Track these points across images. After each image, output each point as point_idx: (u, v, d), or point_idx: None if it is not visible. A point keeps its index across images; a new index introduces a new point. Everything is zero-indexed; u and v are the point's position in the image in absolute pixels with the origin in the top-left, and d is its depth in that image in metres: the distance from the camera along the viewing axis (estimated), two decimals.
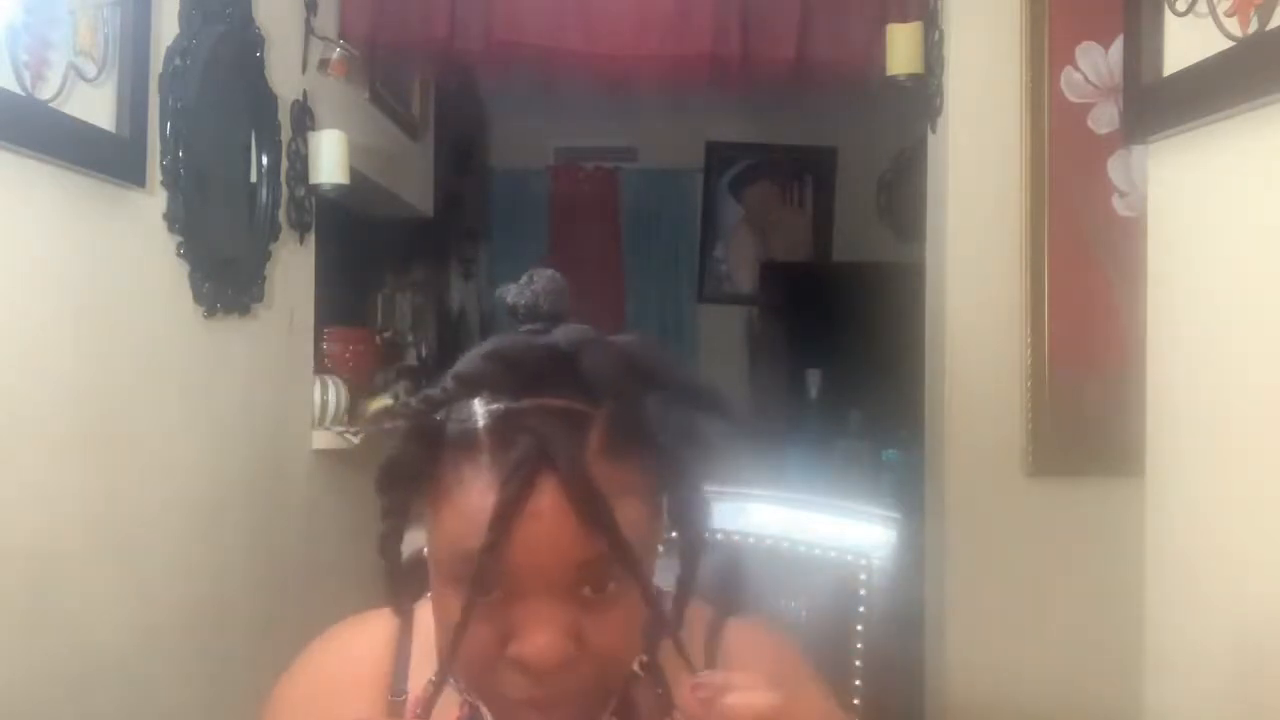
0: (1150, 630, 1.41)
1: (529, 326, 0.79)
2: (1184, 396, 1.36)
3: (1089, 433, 2.34)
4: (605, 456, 0.73)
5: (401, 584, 0.83)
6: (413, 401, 0.75)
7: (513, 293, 0.81)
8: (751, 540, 1.21)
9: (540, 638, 0.71)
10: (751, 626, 0.92)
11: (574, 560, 0.72)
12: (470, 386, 0.74)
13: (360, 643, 0.89)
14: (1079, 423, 2.36)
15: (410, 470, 0.76)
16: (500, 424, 0.73)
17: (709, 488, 0.80)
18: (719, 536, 1.17)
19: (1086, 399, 2.35)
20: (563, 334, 0.76)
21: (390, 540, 0.80)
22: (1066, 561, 2.37)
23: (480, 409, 0.74)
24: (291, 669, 0.91)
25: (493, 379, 0.74)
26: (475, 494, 0.72)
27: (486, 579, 0.72)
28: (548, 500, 0.71)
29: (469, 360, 0.75)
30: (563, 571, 0.72)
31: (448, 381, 0.74)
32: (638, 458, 0.75)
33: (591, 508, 0.71)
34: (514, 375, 0.74)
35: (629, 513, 0.74)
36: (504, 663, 0.73)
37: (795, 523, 1.22)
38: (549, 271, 0.82)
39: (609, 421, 0.74)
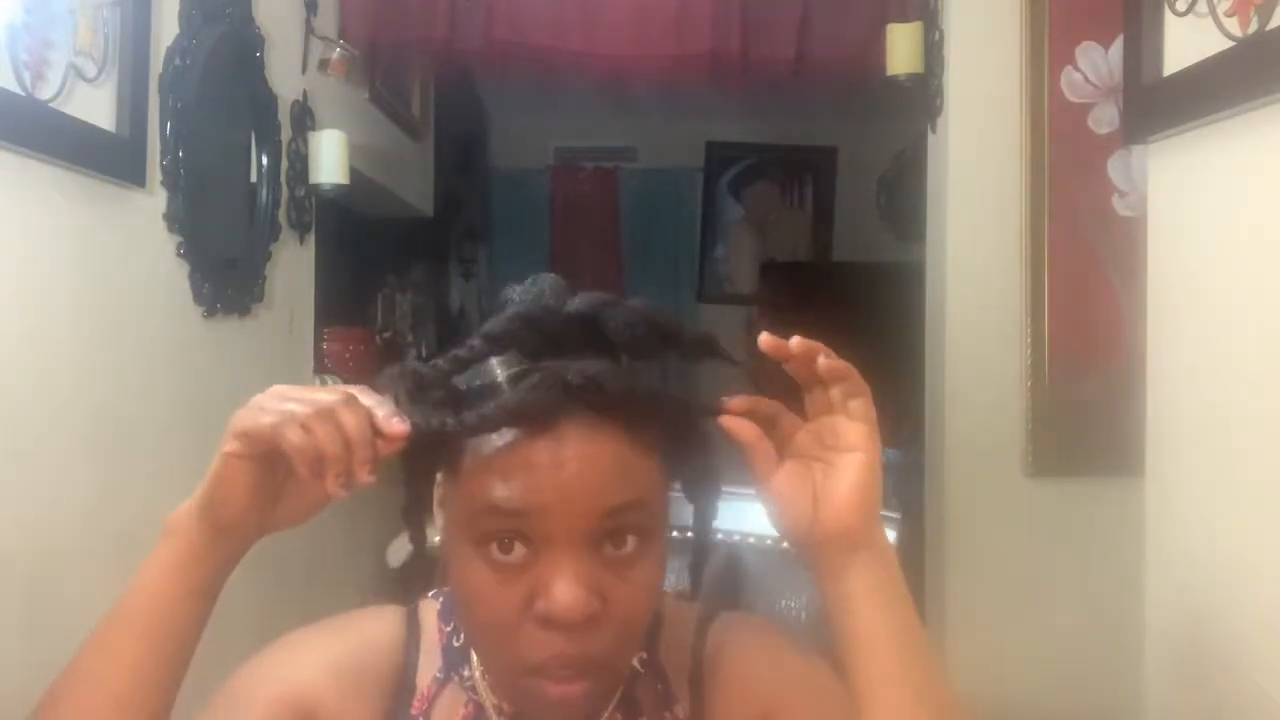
0: (1150, 630, 1.41)
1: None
2: (1184, 396, 1.36)
3: (1089, 433, 2.34)
4: (629, 415, 0.75)
5: (427, 554, 0.84)
6: (440, 362, 0.76)
7: (518, 292, 0.82)
8: (751, 540, 1.21)
9: (567, 594, 0.72)
10: (738, 619, 0.92)
11: (601, 508, 0.73)
12: (497, 345, 0.76)
13: (379, 631, 0.88)
14: (1079, 423, 2.36)
15: (431, 436, 0.74)
16: (525, 377, 0.74)
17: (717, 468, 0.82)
18: (719, 536, 1.17)
19: (1086, 399, 2.35)
20: (582, 299, 0.78)
21: (414, 507, 0.81)
22: (1066, 561, 2.37)
23: (504, 371, 0.76)
24: (315, 634, 0.90)
25: (518, 338, 0.75)
26: (501, 445, 0.73)
27: (506, 528, 0.73)
28: (572, 445, 0.73)
29: (495, 322, 0.77)
30: (588, 520, 0.73)
31: (475, 340, 0.76)
32: (656, 422, 0.77)
33: (619, 456, 0.73)
34: (538, 335, 0.76)
35: (648, 471, 0.76)
36: (528, 623, 0.73)
37: None
38: (550, 276, 0.83)
39: (629, 383, 0.75)
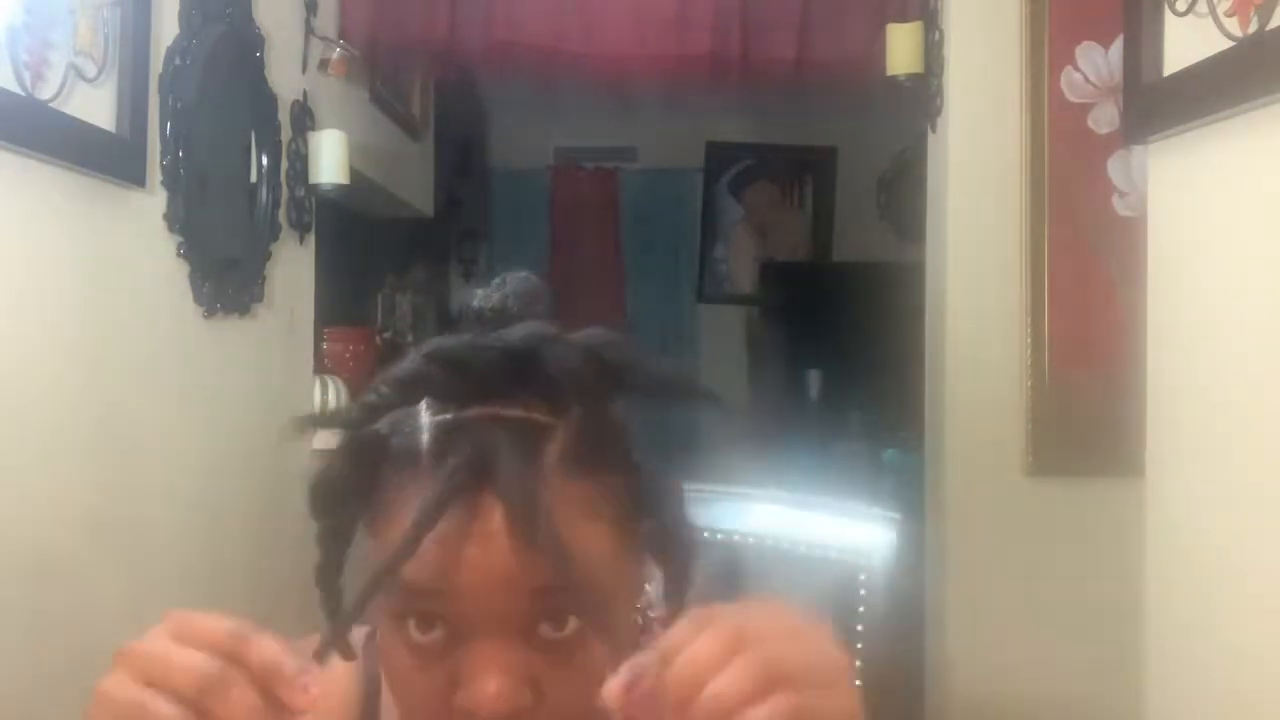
0: (1150, 630, 1.41)
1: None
2: (1184, 396, 1.36)
3: (1089, 433, 2.34)
4: (566, 473, 0.64)
5: (345, 619, 0.65)
6: (348, 409, 0.65)
7: (479, 296, 0.72)
8: (751, 540, 1.21)
9: (490, 684, 0.61)
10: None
11: (524, 588, 0.62)
12: (410, 392, 0.64)
13: (335, 676, 0.73)
14: (1079, 423, 2.36)
15: (347, 488, 0.65)
16: (443, 436, 0.64)
17: (694, 512, 0.70)
18: (719, 536, 1.17)
19: (1086, 399, 2.35)
20: (516, 331, 0.66)
21: (329, 570, 0.67)
22: (1066, 561, 2.37)
23: (424, 419, 0.65)
24: None
25: (435, 384, 0.64)
26: (407, 506, 0.62)
27: (421, 608, 0.63)
28: (498, 520, 0.61)
29: (408, 362, 0.65)
30: (513, 602, 0.62)
31: (382, 386, 0.64)
32: (607, 477, 0.66)
33: (536, 526, 0.60)
34: (460, 379, 0.64)
35: (595, 539, 0.64)
36: (454, 713, 0.63)
37: (795, 523, 1.22)
38: (522, 273, 0.74)
39: (573, 433, 0.65)
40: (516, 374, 0.64)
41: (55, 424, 1.53)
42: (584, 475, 0.65)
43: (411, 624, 0.64)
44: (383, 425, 0.65)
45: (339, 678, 0.77)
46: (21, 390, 1.45)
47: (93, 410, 1.62)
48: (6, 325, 1.42)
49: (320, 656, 0.62)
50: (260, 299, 2.22)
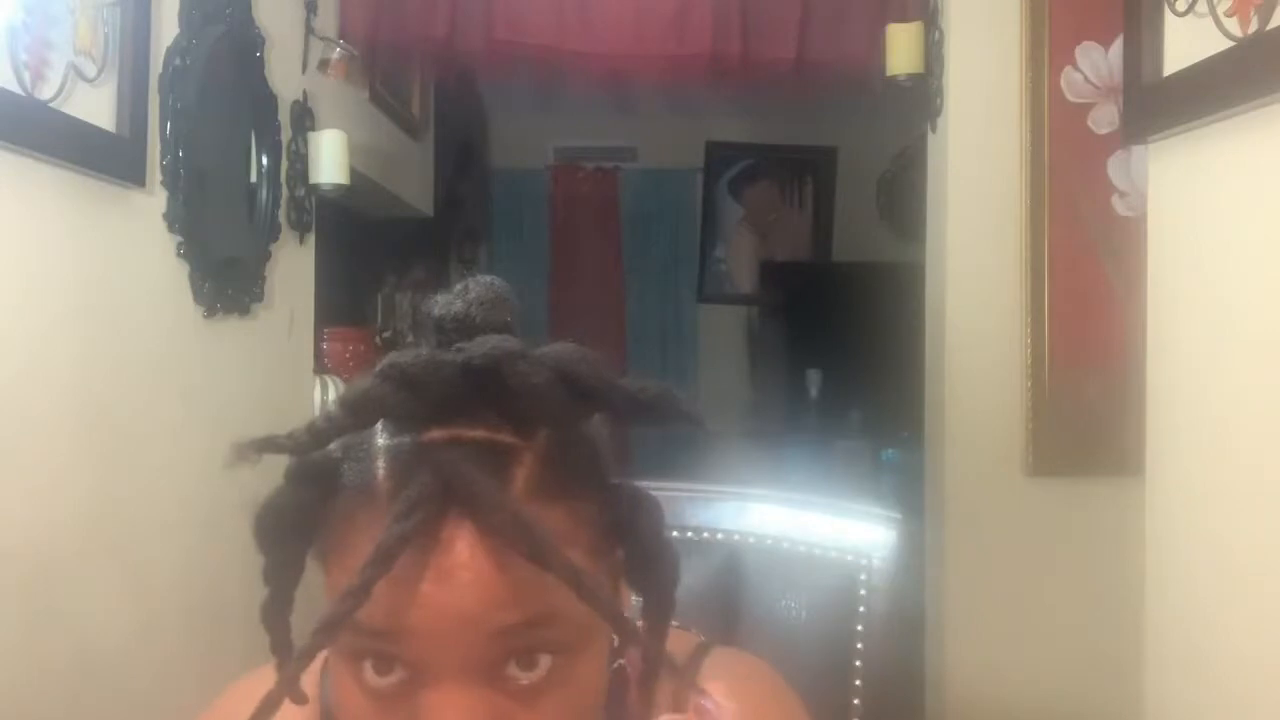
0: (1150, 630, 1.41)
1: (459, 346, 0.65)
2: (1184, 396, 1.36)
3: (1089, 433, 2.34)
4: (535, 498, 0.59)
5: (295, 665, 0.58)
6: (296, 433, 0.59)
7: (440, 304, 0.66)
8: (751, 540, 1.21)
9: None
10: (734, 657, 0.77)
11: (490, 628, 0.57)
12: (362, 415, 0.58)
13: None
14: (1079, 423, 2.36)
15: (296, 519, 0.60)
16: (401, 461, 0.59)
17: (673, 535, 0.65)
18: (719, 536, 1.17)
19: (1086, 399, 2.35)
20: (477, 347, 0.59)
21: (277, 607, 0.62)
22: (1066, 561, 2.37)
23: (379, 442, 0.60)
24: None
25: (390, 405, 0.58)
26: (369, 544, 0.55)
27: (377, 649, 0.58)
28: (458, 550, 0.56)
29: (361, 383, 0.59)
30: (478, 643, 0.57)
31: (332, 408, 0.58)
32: (579, 501, 0.61)
33: (519, 563, 0.56)
34: (417, 399, 0.58)
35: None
36: None
37: (795, 523, 1.22)
38: (487, 278, 0.68)
39: (541, 455, 0.60)
40: (478, 393, 0.58)
41: (55, 424, 1.53)
42: (555, 500, 0.59)
43: (368, 665, 0.59)
44: (334, 448, 0.61)
45: (294, 716, 0.68)
46: (21, 390, 1.45)
47: (92, 410, 1.62)
48: (6, 325, 1.42)
49: (268, 706, 0.58)
50: (260, 299, 2.22)
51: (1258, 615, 1.18)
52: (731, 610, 1.12)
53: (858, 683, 1.13)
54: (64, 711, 1.50)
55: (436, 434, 0.59)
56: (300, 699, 0.61)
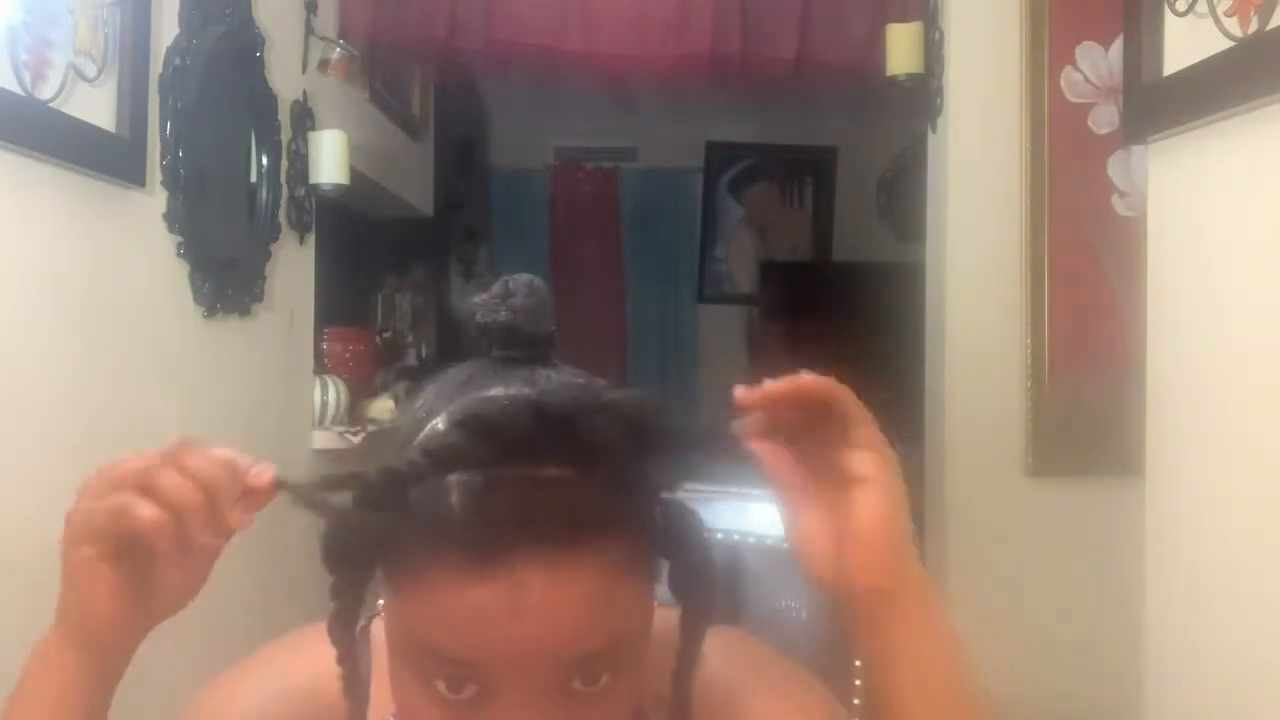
0: (1150, 630, 1.41)
1: (503, 353, 0.69)
2: (1184, 396, 1.36)
3: (1089, 433, 2.34)
4: (599, 531, 0.62)
5: (358, 673, 0.69)
6: (371, 474, 0.61)
7: (484, 310, 0.69)
8: (751, 540, 1.21)
9: None
10: (724, 642, 0.80)
11: (565, 659, 0.61)
12: (443, 464, 0.60)
13: (327, 661, 0.71)
14: (1079, 423, 2.36)
15: (364, 544, 0.63)
16: (479, 500, 0.60)
17: (711, 553, 0.69)
18: (719, 536, 1.17)
19: (1086, 399, 2.35)
20: (552, 391, 0.63)
21: (342, 621, 0.66)
22: (1066, 562, 2.37)
23: (456, 477, 0.61)
24: (252, 673, 0.81)
25: (468, 453, 0.60)
26: (448, 579, 0.60)
27: (452, 674, 0.62)
28: (534, 590, 0.59)
29: (438, 432, 0.62)
30: (550, 671, 0.61)
31: (416, 455, 0.60)
32: (638, 533, 0.64)
33: (590, 600, 0.61)
34: (492, 444, 0.59)
35: (628, 595, 0.64)
36: None
37: None
38: (526, 279, 0.70)
39: (602, 489, 0.62)
40: (549, 433, 0.60)
41: (55, 423, 1.52)
42: (616, 534, 0.62)
43: (441, 684, 0.62)
44: (403, 467, 0.62)
45: (329, 675, 0.73)
46: (21, 390, 1.45)
47: (92, 410, 1.62)
48: (6, 325, 1.42)
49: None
50: (260, 299, 2.22)
51: (1258, 615, 1.18)
52: (731, 610, 1.11)
53: (858, 682, 1.13)
54: None
55: (509, 471, 0.60)
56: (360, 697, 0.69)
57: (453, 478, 0.61)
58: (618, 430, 0.60)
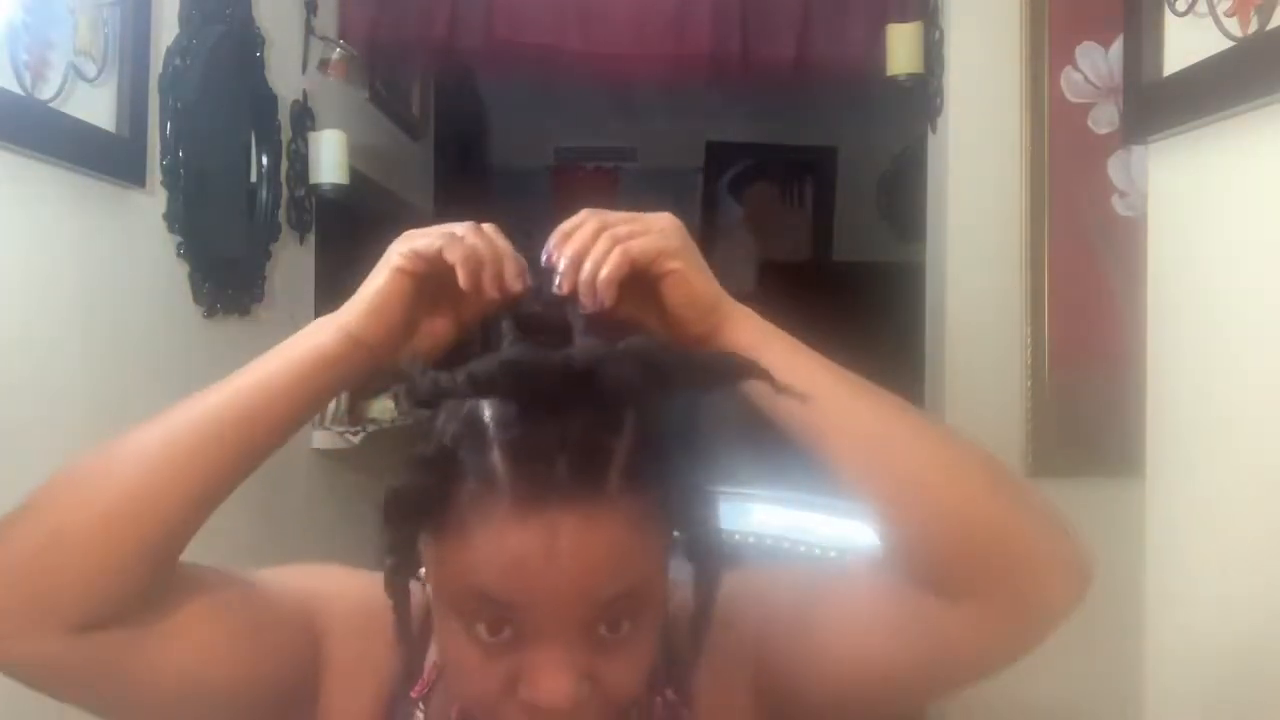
0: (1150, 630, 1.41)
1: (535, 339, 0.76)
2: (1184, 396, 1.36)
3: (1089, 433, 2.34)
4: (626, 488, 0.69)
5: (410, 622, 0.78)
6: (422, 378, 0.71)
7: (544, 292, 0.79)
8: (751, 540, 1.21)
9: (553, 681, 0.69)
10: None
11: (595, 600, 0.69)
12: (481, 389, 0.69)
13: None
14: (1079, 423, 2.36)
15: (420, 501, 0.71)
16: (518, 453, 0.69)
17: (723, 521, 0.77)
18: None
19: (1086, 399, 2.35)
20: (577, 351, 0.70)
21: (399, 576, 0.75)
22: None
23: (496, 435, 0.70)
24: (365, 579, 0.86)
25: (504, 389, 0.68)
26: (490, 529, 0.68)
27: (493, 615, 0.69)
28: (567, 534, 0.67)
29: (485, 363, 0.69)
30: (582, 612, 0.69)
31: (461, 376, 0.69)
32: (657, 490, 0.72)
33: (618, 545, 0.69)
34: (528, 389, 0.68)
35: (650, 548, 0.71)
36: (512, 704, 0.70)
37: (795, 523, 1.22)
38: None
39: (629, 451, 0.70)
40: (578, 391, 0.68)
41: (54, 423, 1.52)
42: (639, 491, 0.70)
43: (481, 627, 0.70)
44: (449, 438, 0.71)
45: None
46: (21, 389, 1.45)
47: (92, 410, 1.62)
48: (6, 326, 1.42)
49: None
50: (260, 299, 2.22)
51: (1258, 615, 1.18)
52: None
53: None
54: (65, 711, 1.50)
55: (546, 428, 0.69)
56: (411, 641, 0.78)
57: (496, 437, 0.69)
58: (632, 372, 0.68)
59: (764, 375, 0.70)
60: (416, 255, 0.76)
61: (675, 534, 0.75)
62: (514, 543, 0.67)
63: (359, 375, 0.78)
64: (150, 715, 0.77)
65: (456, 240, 0.76)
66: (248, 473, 0.76)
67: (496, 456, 0.69)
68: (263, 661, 0.78)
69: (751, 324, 0.81)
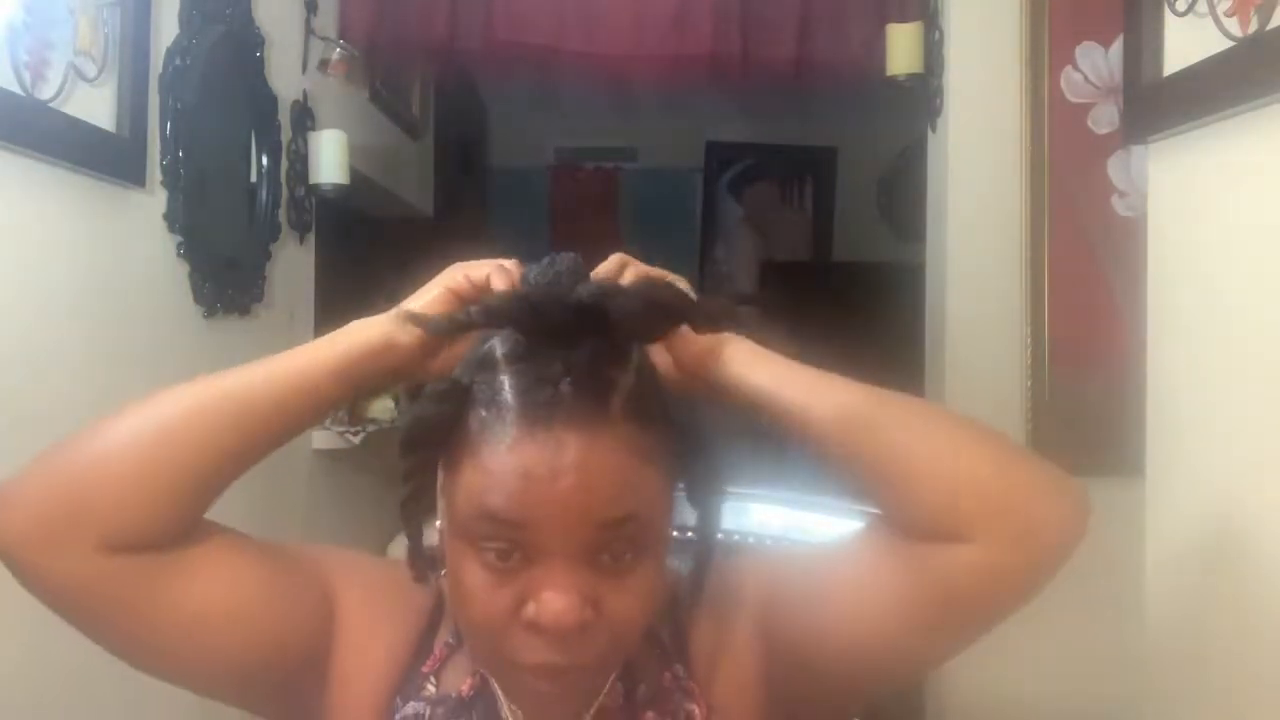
0: (1150, 630, 1.41)
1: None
2: (1184, 396, 1.36)
3: (1089, 433, 2.34)
4: (630, 419, 0.74)
5: (423, 548, 0.83)
6: (440, 316, 0.77)
7: (534, 273, 0.83)
8: (751, 540, 1.21)
9: (558, 601, 0.72)
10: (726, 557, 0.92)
11: (598, 519, 0.72)
12: (492, 319, 0.75)
13: (421, 587, 0.87)
14: (1079, 423, 2.36)
15: (436, 431, 0.76)
16: (526, 380, 0.74)
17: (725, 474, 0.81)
18: (719, 536, 1.17)
19: (1086, 399, 2.35)
20: (585, 288, 0.76)
21: (413, 504, 0.79)
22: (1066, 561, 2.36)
23: (507, 366, 0.75)
24: (380, 560, 0.96)
25: (516, 319, 0.74)
26: (499, 450, 0.72)
27: (501, 537, 0.73)
28: (571, 454, 0.71)
29: (496, 297, 0.77)
30: (584, 532, 0.72)
31: (473, 309, 0.75)
32: (660, 427, 0.76)
33: (619, 468, 0.72)
34: (538, 322, 0.73)
35: (651, 481, 0.75)
36: (518, 626, 0.73)
37: (795, 523, 1.22)
38: (571, 255, 0.83)
39: (633, 385, 0.75)
40: (585, 325, 0.73)
41: (54, 423, 1.52)
42: (641, 423, 0.75)
43: (492, 553, 0.73)
44: (464, 376, 0.77)
45: (418, 598, 0.88)
46: (21, 390, 1.45)
47: (91, 409, 1.61)
48: (6, 326, 1.42)
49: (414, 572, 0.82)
50: (260, 299, 2.22)
51: (1257, 615, 1.18)
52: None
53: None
54: (67, 710, 1.50)
55: (555, 359, 0.73)
56: (422, 577, 0.84)
57: (506, 367, 0.75)
58: (637, 305, 0.73)
59: (755, 321, 0.78)
60: (468, 279, 0.83)
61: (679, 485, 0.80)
62: (521, 460, 0.72)
63: (391, 375, 0.84)
64: (164, 657, 0.82)
65: (505, 271, 0.82)
66: (278, 444, 0.82)
67: (506, 384, 0.74)
68: (280, 617, 0.81)
69: (745, 341, 0.87)
